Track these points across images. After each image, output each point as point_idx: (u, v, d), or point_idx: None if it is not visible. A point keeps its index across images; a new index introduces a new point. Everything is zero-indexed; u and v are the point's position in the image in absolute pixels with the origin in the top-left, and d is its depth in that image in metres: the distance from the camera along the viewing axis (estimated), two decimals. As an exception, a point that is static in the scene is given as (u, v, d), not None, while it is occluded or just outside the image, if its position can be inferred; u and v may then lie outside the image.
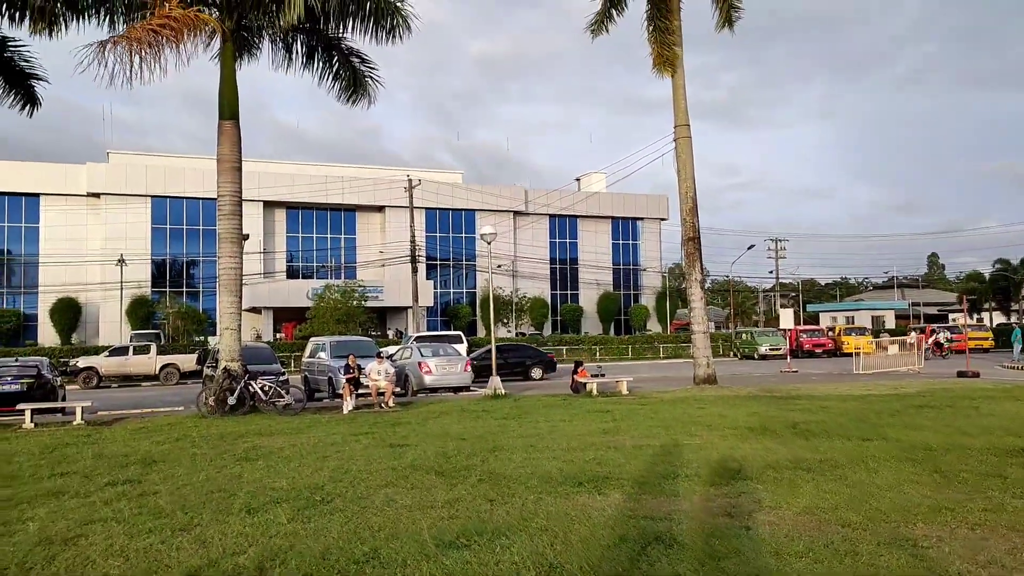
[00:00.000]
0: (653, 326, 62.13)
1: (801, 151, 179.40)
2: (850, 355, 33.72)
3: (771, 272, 71.36)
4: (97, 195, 50.42)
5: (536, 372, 29.83)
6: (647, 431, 11.87)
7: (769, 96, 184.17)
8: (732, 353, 47.80)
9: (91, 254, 49.23)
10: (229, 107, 17.05)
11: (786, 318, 33.26)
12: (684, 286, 29.63)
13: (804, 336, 45.17)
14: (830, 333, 47.93)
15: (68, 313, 48.49)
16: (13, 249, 51.18)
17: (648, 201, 65.22)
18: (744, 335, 48.36)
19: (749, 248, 57.31)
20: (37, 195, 50.71)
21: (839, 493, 7.10)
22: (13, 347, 42.56)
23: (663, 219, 65.97)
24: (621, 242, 65.11)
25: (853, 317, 65.27)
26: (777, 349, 42.98)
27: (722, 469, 8.42)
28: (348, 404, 16.85)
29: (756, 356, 43.96)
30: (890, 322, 63.64)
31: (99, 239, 49.57)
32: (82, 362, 33.65)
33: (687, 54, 23.00)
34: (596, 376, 20.67)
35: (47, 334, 48.88)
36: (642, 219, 65.08)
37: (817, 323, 63.38)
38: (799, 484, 7.55)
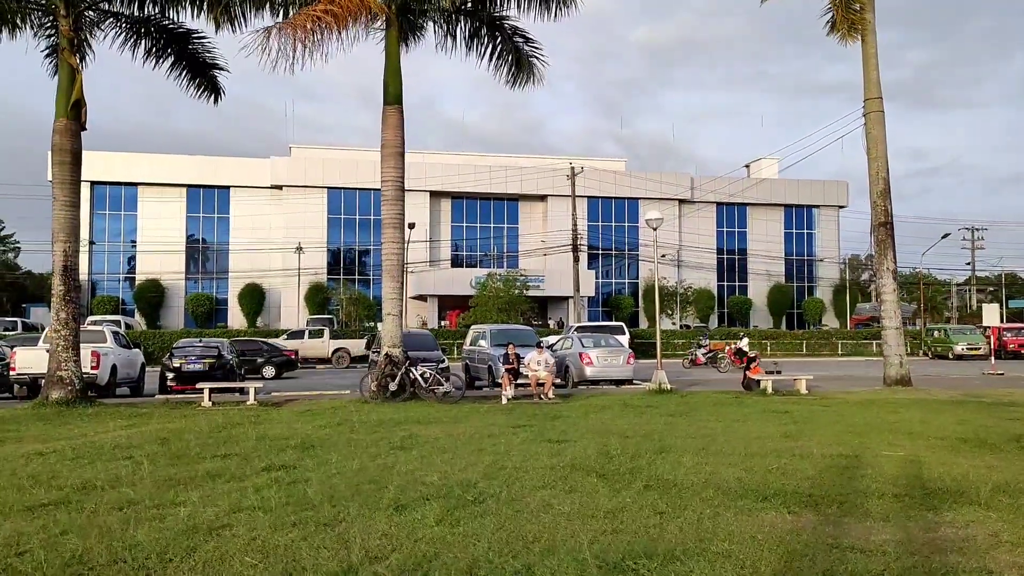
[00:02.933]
0: (829, 321, 58.24)
1: (1001, 133, 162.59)
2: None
3: (967, 264, 65.03)
4: (279, 187, 53.49)
5: (268, 371, 27.04)
6: (836, 437, 10.53)
7: (963, 75, 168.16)
8: (922, 352, 43.76)
9: (273, 242, 52.30)
10: (393, 92, 17.04)
11: (990, 314, 29.80)
12: (873, 276, 27.02)
13: (1008, 335, 40.53)
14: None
15: (253, 298, 51.84)
16: (208, 238, 55.39)
17: (825, 187, 61.12)
18: (937, 332, 44.15)
19: (943, 237, 52.15)
20: (227, 188, 54.51)
21: (1103, 530, 5.67)
22: (206, 329, 46.01)
23: (842, 206, 61.63)
24: (794, 231, 61.48)
25: (1067, 315, 58.12)
26: (976, 348, 38.90)
27: (938, 489, 7.09)
28: (507, 394, 16.44)
29: (950, 356, 39.99)
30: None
31: (280, 228, 52.56)
32: (263, 344, 35.59)
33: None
34: (772, 373, 19.13)
35: (236, 317, 52.51)
36: (818, 207, 61.09)
37: (1022, 320, 56.93)
38: (1044, 515, 6.15)
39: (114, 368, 18.49)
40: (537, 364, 17.00)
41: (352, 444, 9.90)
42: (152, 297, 51.80)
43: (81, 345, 16.30)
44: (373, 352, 20.79)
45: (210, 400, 15.84)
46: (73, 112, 15.56)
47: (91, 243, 51.56)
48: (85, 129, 15.89)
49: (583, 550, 5.04)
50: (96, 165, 49.90)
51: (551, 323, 48.63)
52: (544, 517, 5.98)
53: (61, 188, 15.41)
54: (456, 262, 55.81)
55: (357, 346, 35.24)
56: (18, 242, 66.51)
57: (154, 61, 17.60)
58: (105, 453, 9.18)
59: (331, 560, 4.89)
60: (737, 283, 60.18)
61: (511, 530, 5.60)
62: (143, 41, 17.21)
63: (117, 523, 5.78)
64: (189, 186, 54.11)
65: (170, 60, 17.79)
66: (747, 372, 19.32)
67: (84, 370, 16.31)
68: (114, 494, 6.84)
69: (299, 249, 48.58)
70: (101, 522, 5.81)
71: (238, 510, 6.21)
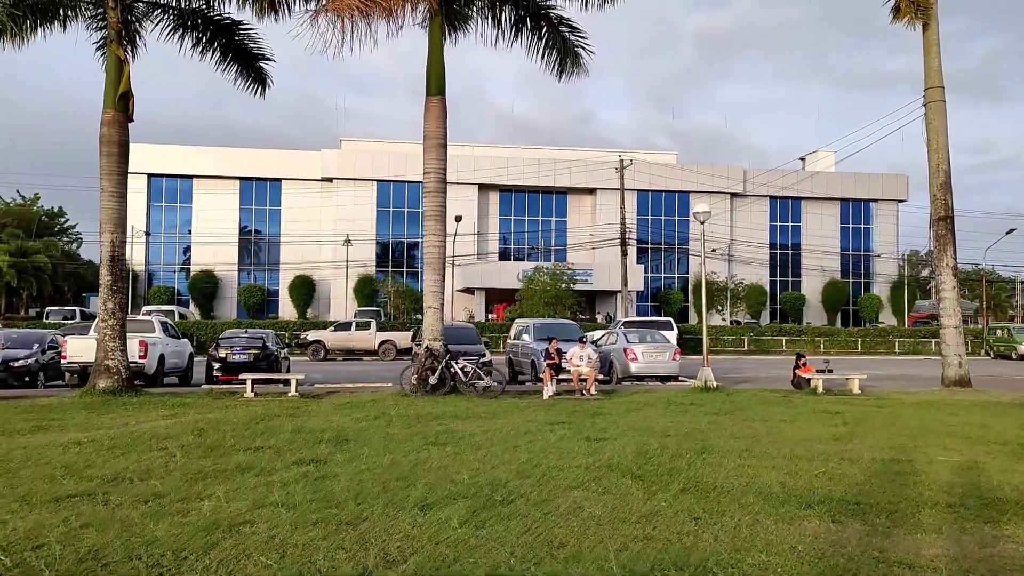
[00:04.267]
0: (886, 318, 56.55)
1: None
2: None
3: (1034, 260, 62.51)
4: (330, 179, 53.97)
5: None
6: (888, 441, 10.05)
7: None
8: (984, 351, 42.21)
9: (323, 235, 52.80)
10: (436, 83, 16.89)
11: (1058, 313, 28.41)
12: (932, 272, 26.03)
13: (1077, 335, 38.80)
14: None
15: (303, 289, 52.44)
16: (260, 229, 56.22)
17: (884, 181, 59.33)
18: (999, 331, 42.53)
19: (1008, 232, 50.10)
20: (279, 180, 55.23)
21: None
22: (258, 319, 46.71)
23: (901, 200, 59.75)
24: (851, 226, 59.84)
25: None
26: (1042, 349, 37.37)
27: (997, 499, 6.66)
28: (549, 389, 16.19)
29: (1014, 356, 38.47)
30: None
31: (330, 220, 53.05)
32: (311, 336, 36.00)
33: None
34: (823, 371, 18.52)
35: (286, 308, 53.21)
36: (876, 201, 59.30)
37: (1092, 320, 54.55)
38: (1115, 532, 5.69)
39: (162, 358, 18.76)
40: (579, 359, 16.72)
41: (387, 438, 9.79)
42: (206, 288, 52.79)
43: (129, 335, 16.56)
44: (416, 344, 20.75)
45: (253, 391, 15.92)
46: (121, 104, 15.77)
47: (147, 234, 52.78)
48: (132, 121, 16.09)
49: (610, 558, 4.80)
50: (153, 158, 51.08)
51: (599, 317, 48.18)
52: (573, 521, 5.75)
53: (109, 179, 15.63)
54: (504, 255, 55.65)
55: (403, 338, 35.26)
56: (80, 233, 68.49)
57: (201, 53, 17.75)
58: (141, 443, 9.21)
59: (347, 563, 4.73)
60: (790, 278, 58.85)
61: (538, 534, 5.38)
62: (190, 33, 17.36)
63: (139, 517, 5.71)
64: (242, 178, 54.95)
65: (217, 52, 17.91)
66: (796, 370, 18.73)
67: (132, 359, 16.56)
68: (142, 486, 6.81)
69: (347, 241, 48.96)
70: (123, 516, 5.76)
71: (262, 506, 6.11)
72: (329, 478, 7.21)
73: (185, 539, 5.19)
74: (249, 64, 18.16)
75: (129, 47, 16.79)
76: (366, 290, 50.82)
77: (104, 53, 17.30)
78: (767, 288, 56.49)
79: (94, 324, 18.54)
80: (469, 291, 49.87)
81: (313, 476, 7.29)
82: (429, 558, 4.82)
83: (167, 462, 7.99)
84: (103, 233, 15.67)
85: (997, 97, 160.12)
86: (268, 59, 18.25)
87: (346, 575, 4.48)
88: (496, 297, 49.99)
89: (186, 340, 22.19)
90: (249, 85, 18.59)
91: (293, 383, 16.27)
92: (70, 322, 34.68)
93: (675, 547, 5.09)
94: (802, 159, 62.47)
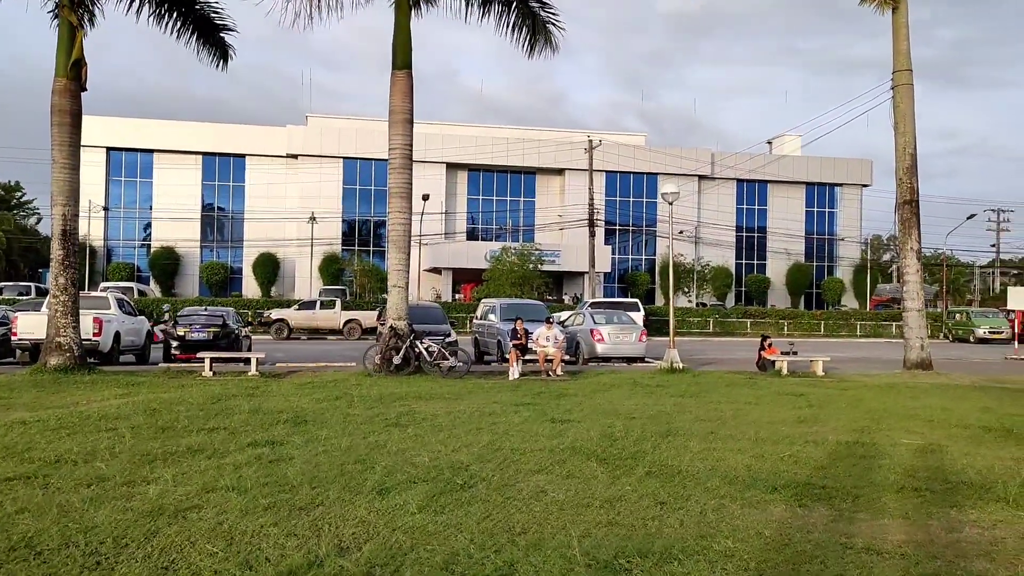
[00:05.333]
0: (848, 301, 57.36)
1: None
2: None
3: (992, 246, 63.83)
4: (295, 156, 53.08)
5: None
6: (852, 423, 10.05)
7: (997, 54, 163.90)
8: (943, 335, 42.97)
9: (288, 212, 52.00)
10: (402, 56, 16.50)
11: (1016, 297, 28.91)
12: (896, 256, 26.27)
13: (1033, 319, 39.56)
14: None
15: (268, 267, 51.67)
16: (223, 206, 55.20)
17: (849, 165, 59.95)
18: (958, 315, 43.32)
19: (968, 218, 50.90)
20: (243, 156, 54.23)
21: None
22: (221, 297, 45.92)
23: (865, 185, 60.47)
24: (816, 210, 60.48)
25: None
26: (998, 332, 38.17)
27: (961, 483, 6.63)
28: (514, 370, 16.03)
29: (972, 339, 39.23)
30: None
31: (295, 198, 52.26)
32: (275, 314, 35.49)
33: None
34: (787, 354, 18.60)
35: (250, 286, 52.44)
36: (841, 185, 59.94)
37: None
38: (1078, 516, 5.67)
39: (117, 335, 18.25)
40: (546, 340, 16.58)
41: (347, 419, 9.54)
42: (167, 265, 51.79)
43: (83, 311, 16.05)
44: (381, 324, 20.46)
45: (211, 370, 15.55)
46: (73, 72, 15.14)
47: (106, 209, 51.53)
48: (85, 90, 15.47)
49: (572, 545, 4.63)
50: (112, 131, 49.78)
51: (566, 298, 48.16)
52: (535, 506, 5.58)
53: (60, 150, 15.04)
54: (472, 235, 55.35)
55: (369, 318, 34.92)
56: (38, 208, 66.64)
57: (159, 21, 17.11)
58: (90, 424, 8.86)
59: (298, 551, 4.50)
60: (756, 261, 59.37)
61: (498, 520, 5.20)
62: (147, 1, 16.71)
63: (79, 502, 5.42)
64: (205, 153, 53.88)
65: (177, 20, 17.27)
66: (761, 352, 18.79)
67: (86, 337, 16.08)
68: (86, 469, 6.50)
69: (312, 219, 48.26)
70: (63, 500, 5.47)
71: (211, 490, 5.84)
72: (284, 461, 6.96)
73: (127, 525, 4.92)
74: (210, 34, 17.56)
75: (84, 14, 16.13)
76: (331, 269, 50.24)
77: (58, 19, 16.63)
78: (733, 271, 56.93)
79: (46, 300, 17.95)
80: (436, 271, 49.53)
81: (267, 459, 7.03)
82: (384, 545, 4.61)
83: (115, 444, 7.66)
84: (54, 206, 15.10)
85: (964, 84, 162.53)
86: (230, 29, 17.68)
87: (295, 565, 4.25)
88: (463, 277, 49.72)
89: (143, 317, 21.66)
90: (211, 57, 18.01)
91: (253, 362, 15.92)
92: (24, 298, 33.72)
93: (639, 533, 4.95)
94: (769, 143, 62.85)
